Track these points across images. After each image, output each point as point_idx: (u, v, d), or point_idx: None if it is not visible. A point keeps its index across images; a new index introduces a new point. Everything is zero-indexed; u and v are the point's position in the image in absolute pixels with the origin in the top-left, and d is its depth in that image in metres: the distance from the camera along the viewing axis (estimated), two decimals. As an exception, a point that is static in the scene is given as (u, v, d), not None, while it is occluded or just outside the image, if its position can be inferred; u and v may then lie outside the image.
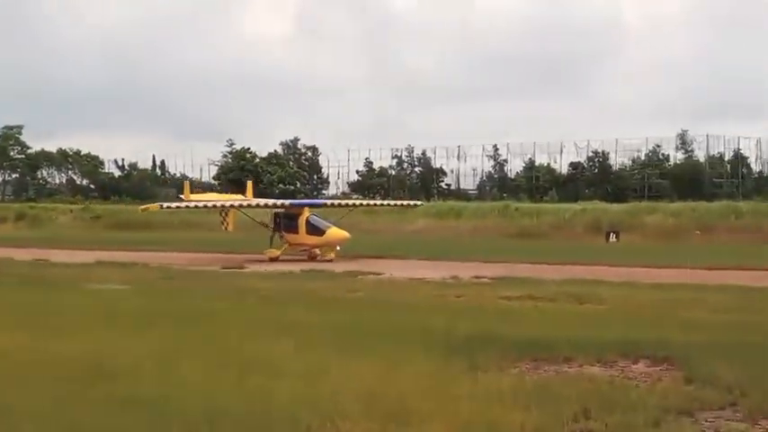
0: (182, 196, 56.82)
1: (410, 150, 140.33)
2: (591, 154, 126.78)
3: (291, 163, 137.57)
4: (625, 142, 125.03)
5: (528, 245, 57.49)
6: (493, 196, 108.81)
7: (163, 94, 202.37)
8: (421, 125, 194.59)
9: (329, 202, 58.30)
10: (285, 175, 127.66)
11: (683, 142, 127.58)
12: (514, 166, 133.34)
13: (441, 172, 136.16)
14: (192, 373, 13.69)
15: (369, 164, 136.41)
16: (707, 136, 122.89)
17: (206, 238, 61.27)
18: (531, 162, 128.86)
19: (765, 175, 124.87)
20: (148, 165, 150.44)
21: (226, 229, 53.95)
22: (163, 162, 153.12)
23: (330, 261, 45.07)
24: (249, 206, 53.82)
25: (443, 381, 13.22)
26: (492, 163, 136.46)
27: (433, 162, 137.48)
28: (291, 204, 53.14)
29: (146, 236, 66.15)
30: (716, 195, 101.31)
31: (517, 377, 13.95)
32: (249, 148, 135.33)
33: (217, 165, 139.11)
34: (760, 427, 11.24)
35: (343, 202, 57.65)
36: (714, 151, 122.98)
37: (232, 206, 52.79)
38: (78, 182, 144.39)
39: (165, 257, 45.33)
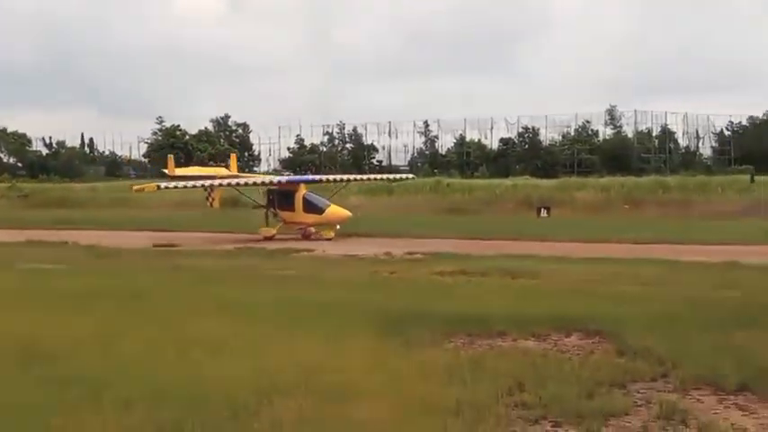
0: (165, 171, 55.37)
1: (341, 127, 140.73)
2: (521, 130, 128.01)
3: (222, 140, 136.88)
4: (555, 118, 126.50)
5: (460, 221, 57.66)
6: (424, 172, 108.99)
7: (91, 70, 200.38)
8: (352, 102, 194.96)
9: (324, 177, 55.21)
10: (216, 153, 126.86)
11: (612, 118, 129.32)
12: (445, 143, 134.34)
13: (372, 148, 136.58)
14: (131, 353, 13.64)
15: (300, 141, 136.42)
16: (635, 111, 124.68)
17: (142, 217, 60.71)
18: (462, 138, 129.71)
19: (692, 149, 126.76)
20: (77, 143, 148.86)
21: (211, 205, 51.69)
22: (91, 140, 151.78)
23: (329, 240, 43.92)
24: (245, 184, 50.89)
25: (380, 357, 13.29)
26: (423, 139, 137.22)
27: (364, 138, 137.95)
28: (288, 181, 51.19)
29: (82, 214, 64.84)
30: (644, 170, 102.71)
31: (452, 352, 14.09)
32: (179, 126, 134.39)
33: (147, 142, 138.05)
34: (691, 397, 11.49)
35: (337, 177, 55.17)
36: (642, 127, 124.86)
37: (229, 184, 50.49)
38: (5, 160, 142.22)
39: (121, 237, 44.58)
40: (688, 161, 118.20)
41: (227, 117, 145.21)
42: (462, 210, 68.19)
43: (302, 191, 47.24)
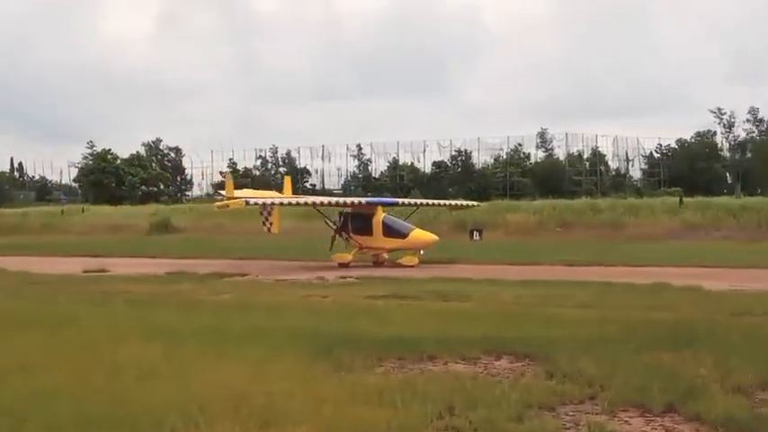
0: (222, 193, 50.37)
1: (274, 150, 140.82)
2: (454, 153, 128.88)
3: (154, 164, 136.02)
4: (487, 141, 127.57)
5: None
6: (357, 196, 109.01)
7: (20, 94, 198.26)
8: (285, 125, 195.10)
9: (400, 201, 51.93)
10: (148, 177, 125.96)
11: (543, 141, 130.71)
12: (378, 166, 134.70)
13: (305, 172, 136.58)
14: (59, 379, 13.41)
15: (233, 164, 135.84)
16: (566, 134, 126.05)
17: (72, 242, 59.90)
18: (395, 161, 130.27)
19: (622, 172, 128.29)
20: (6, 167, 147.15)
21: (269, 230, 48.26)
22: (21, 164, 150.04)
23: (413, 267, 40.74)
24: (321, 204, 47.90)
25: (310, 381, 13.22)
26: (356, 162, 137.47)
27: (297, 162, 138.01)
28: (368, 203, 46.74)
29: (12, 240, 63.96)
30: (575, 192, 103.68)
31: (382, 376, 14.05)
32: (110, 150, 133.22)
33: (77, 166, 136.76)
34: (619, 419, 11.53)
35: (409, 201, 51.66)
36: (573, 149, 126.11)
37: (306, 203, 47.84)
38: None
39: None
40: (618, 183, 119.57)
41: (158, 141, 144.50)
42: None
43: (380, 213, 44.04)
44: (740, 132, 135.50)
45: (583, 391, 12.80)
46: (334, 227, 45.34)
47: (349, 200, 49.81)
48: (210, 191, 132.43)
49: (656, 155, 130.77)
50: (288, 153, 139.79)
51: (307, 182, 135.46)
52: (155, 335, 17.65)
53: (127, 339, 17.19)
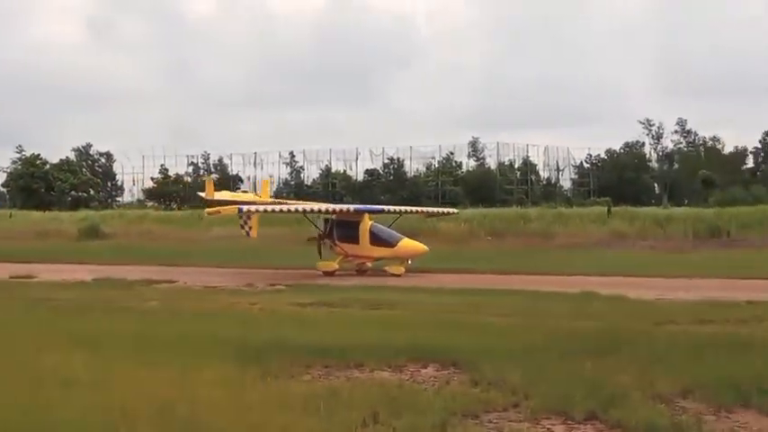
0: (201, 194, 50.13)
1: (206, 157, 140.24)
2: (386, 161, 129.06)
3: (84, 170, 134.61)
4: (420, 150, 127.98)
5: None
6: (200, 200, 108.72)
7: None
8: (218, 132, 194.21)
9: (386, 208, 49.31)
10: (78, 183, 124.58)
11: (475, 150, 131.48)
12: (311, 173, 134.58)
13: (237, 179, 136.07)
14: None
15: (164, 171, 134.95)
16: (497, 144, 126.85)
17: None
18: (328, 169, 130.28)
19: (553, 181, 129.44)
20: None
21: (247, 234, 47.59)
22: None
23: (398, 276, 39.86)
24: (311, 211, 45.35)
25: (236, 389, 13.20)
26: (289, 170, 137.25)
27: (229, 169, 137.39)
28: (356, 210, 45.05)
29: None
30: (506, 201, 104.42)
31: (308, 383, 14.08)
32: (39, 155, 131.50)
33: (5, 171, 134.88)
34: (541, 426, 11.66)
35: (395, 208, 49.56)
36: (504, 159, 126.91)
37: (297, 210, 45.18)
38: None
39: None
40: (549, 193, 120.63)
41: (89, 146, 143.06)
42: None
43: (367, 221, 43.00)
44: (668, 144, 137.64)
45: (507, 398, 12.91)
46: (318, 234, 44.36)
47: (337, 207, 48.61)
48: (141, 197, 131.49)
49: (586, 165, 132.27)
50: (220, 160, 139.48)
51: (239, 189, 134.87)
52: (79, 342, 17.51)
53: (51, 347, 17.02)
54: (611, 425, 11.56)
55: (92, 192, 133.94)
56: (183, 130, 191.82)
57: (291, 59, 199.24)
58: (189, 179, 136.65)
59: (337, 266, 41.99)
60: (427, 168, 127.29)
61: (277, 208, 45.62)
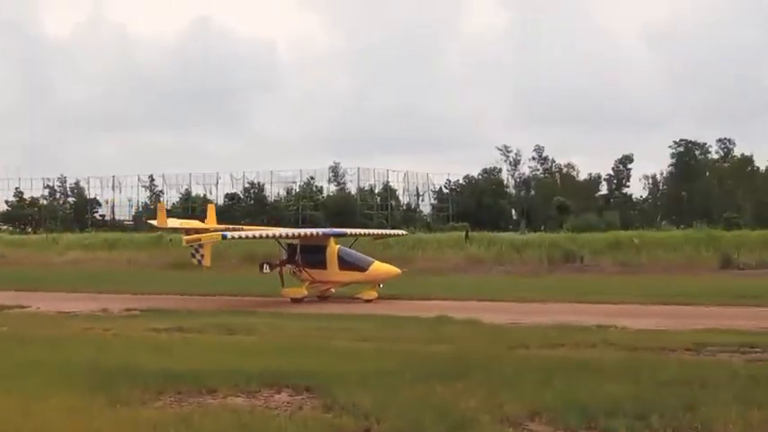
0: (153, 222, 47.82)
1: (63, 180, 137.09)
2: (247, 185, 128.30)
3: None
4: (280, 174, 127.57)
5: (181, 276, 57.12)
6: (149, 227, 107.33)
7: None
8: (75, 155, 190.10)
9: (346, 231, 47.87)
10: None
11: (336, 175, 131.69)
12: (171, 197, 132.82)
13: (95, 202, 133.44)
14: None
15: (19, 194, 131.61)
16: (358, 169, 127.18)
17: None
18: (188, 192, 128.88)
19: (413, 206, 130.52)
20: None
21: (199, 263, 44.24)
22: None
23: (370, 302, 38.39)
24: (282, 236, 43.71)
25: (83, 416, 13.00)
26: (148, 193, 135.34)
27: (87, 192, 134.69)
28: (324, 234, 43.38)
29: None
30: (367, 226, 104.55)
31: (159, 410, 13.92)
32: None
33: None
34: (392, 450, 11.74)
35: (351, 231, 48.25)
36: (365, 184, 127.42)
37: (275, 236, 43.35)
38: None
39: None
40: (409, 218, 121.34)
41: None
42: (184, 265, 67.47)
43: (334, 245, 41.43)
44: (525, 170, 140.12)
45: (359, 423, 12.99)
46: (279, 260, 42.40)
47: (302, 231, 47.78)
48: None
49: (446, 190, 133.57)
50: (77, 183, 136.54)
51: (96, 212, 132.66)
52: None
53: None
54: (459, 448, 11.71)
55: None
56: (39, 152, 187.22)
57: (152, 82, 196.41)
58: (45, 202, 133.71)
59: (306, 292, 40.35)
60: (288, 193, 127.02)
61: (257, 233, 44.95)
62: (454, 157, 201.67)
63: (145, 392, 15.11)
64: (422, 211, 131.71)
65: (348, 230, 48.46)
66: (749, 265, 56.95)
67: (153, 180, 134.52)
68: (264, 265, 51.63)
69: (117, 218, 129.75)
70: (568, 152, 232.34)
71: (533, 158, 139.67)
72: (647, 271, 56.08)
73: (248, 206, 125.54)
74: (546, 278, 52.11)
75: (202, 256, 43.53)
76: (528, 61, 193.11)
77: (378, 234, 54.88)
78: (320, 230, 46.32)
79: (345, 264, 40.69)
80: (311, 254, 41.22)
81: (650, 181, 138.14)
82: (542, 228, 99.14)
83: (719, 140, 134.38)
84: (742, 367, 17.62)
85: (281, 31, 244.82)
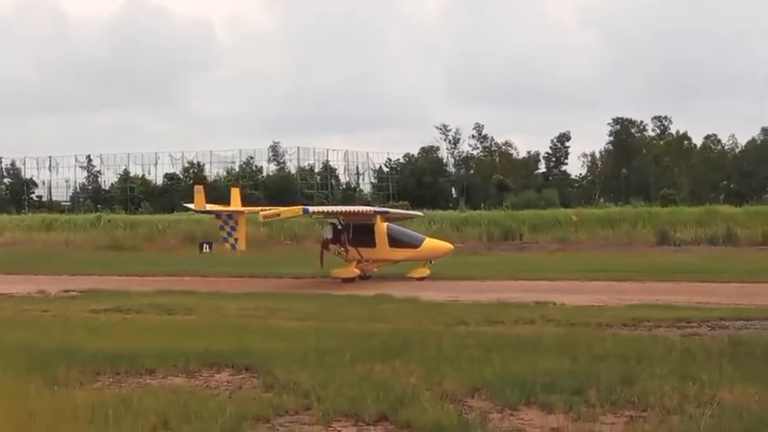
0: (190, 206, 45.57)
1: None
2: (186, 165, 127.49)
3: None
4: (219, 154, 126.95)
5: (120, 257, 56.86)
6: (87, 208, 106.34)
7: None
8: (10, 135, 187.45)
9: (389, 210, 45.56)
10: None
11: (276, 154, 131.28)
12: (108, 178, 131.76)
13: (32, 183, 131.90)
14: None
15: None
16: (298, 148, 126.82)
17: None
18: (126, 173, 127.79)
19: (353, 185, 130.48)
20: None
21: (232, 247, 42.17)
22: None
23: (422, 280, 37.65)
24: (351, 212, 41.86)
25: (19, 398, 12.85)
26: (85, 174, 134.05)
27: (23, 173, 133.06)
28: (375, 212, 41.63)
29: None
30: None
31: (97, 391, 13.80)
32: None
33: None
34: (332, 429, 11.74)
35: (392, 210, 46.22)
36: (305, 163, 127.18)
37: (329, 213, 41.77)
38: None
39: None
40: (349, 197, 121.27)
41: None
42: (123, 246, 67.10)
43: (381, 223, 40.18)
44: (465, 148, 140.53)
45: (299, 402, 12.96)
46: (322, 239, 41.33)
47: (353, 208, 45.39)
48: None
49: (386, 169, 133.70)
50: (12, 163, 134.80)
51: (33, 193, 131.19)
52: None
53: None
54: (401, 425, 11.71)
55: None
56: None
57: (89, 62, 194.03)
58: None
59: (357, 272, 38.98)
60: (228, 173, 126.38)
61: (340, 209, 43.84)
62: (394, 137, 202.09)
63: (83, 374, 14.99)
64: (362, 190, 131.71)
65: (390, 210, 46.47)
66: (685, 241, 57.69)
67: (90, 160, 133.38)
68: (204, 245, 51.47)
69: (54, 199, 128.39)
70: (507, 131, 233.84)
71: (472, 137, 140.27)
72: (585, 248, 56.65)
73: (188, 186, 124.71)
74: (485, 256, 52.51)
75: (236, 239, 41.71)
76: (467, 41, 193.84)
77: (402, 214, 49.60)
78: (370, 209, 44.39)
79: (396, 241, 39.81)
80: (359, 232, 40.01)
81: (588, 159, 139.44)
82: (482, 206, 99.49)
83: (656, 118, 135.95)
84: (678, 342, 17.85)
85: (218, 10, 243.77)
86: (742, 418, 11.37)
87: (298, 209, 40.21)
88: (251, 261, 45.98)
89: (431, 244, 40.10)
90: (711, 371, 14.26)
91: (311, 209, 40.75)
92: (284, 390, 13.68)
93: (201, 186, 44.88)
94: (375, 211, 41.76)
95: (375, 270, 40.65)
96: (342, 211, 42.24)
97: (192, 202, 43.27)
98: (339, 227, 40.62)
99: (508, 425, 11.78)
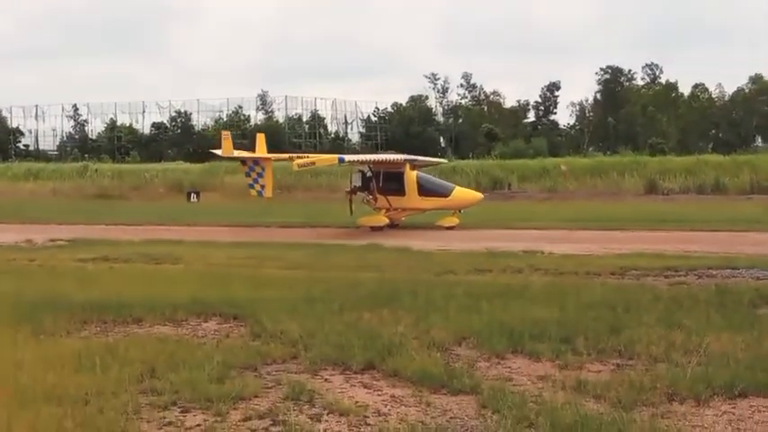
0: (217, 152, 44.81)
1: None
2: (174, 114, 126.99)
3: None
4: (207, 103, 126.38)
5: (108, 206, 56.67)
6: (74, 157, 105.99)
7: None
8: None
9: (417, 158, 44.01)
10: None
11: (264, 103, 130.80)
12: (95, 127, 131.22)
13: (18, 132, 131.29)
14: None
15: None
16: (286, 97, 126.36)
17: None
18: (113, 122, 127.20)
19: (341, 135, 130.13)
20: None
21: (259, 194, 41.30)
22: None
23: (451, 228, 37.54)
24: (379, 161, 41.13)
25: (6, 347, 12.80)
26: (72, 123, 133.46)
27: (9, 122, 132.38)
28: (405, 160, 40.77)
29: None
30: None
31: (83, 340, 13.76)
32: None
33: None
34: (320, 377, 11.71)
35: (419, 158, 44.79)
36: (292, 112, 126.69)
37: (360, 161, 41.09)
38: None
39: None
40: (337, 146, 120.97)
41: None
42: (111, 195, 67.00)
43: (410, 171, 39.86)
44: (453, 97, 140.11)
45: (286, 350, 12.93)
46: (351, 188, 41.00)
47: (383, 157, 44.44)
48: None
49: (374, 118, 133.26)
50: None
51: (20, 142, 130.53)
52: None
53: None
54: (388, 374, 11.69)
55: None
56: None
57: (71, 9, 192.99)
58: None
59: (386, 220, 38.61)
60: (215, 122, 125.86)
61: (374, 157, 43.39)
62: (382, 86, 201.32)
63: (70, 323, 14.91)
64: (350, 140, 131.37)
65: (418, 157, 45.02)
66: (673, 190, 57.80)
67: (77, 109, 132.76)
68: (191, 194, 51.37)
69: (41, 148, 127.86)
70: (496, 80, 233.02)
71: (461, 86, 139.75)
72: (574, 197, 56.73)
73: (175, 135, 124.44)
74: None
75: (262, 186, 41.02)
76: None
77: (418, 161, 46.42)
78: (401, 156, 43.04)
79: (425, 190, 39.51)
80: (388, 181, 39.63)
81: (577, 108, 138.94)
82: (470, 155, 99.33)
83: (646, 66, 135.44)
84: (665, 290, 17.90)
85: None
86: (729, 365, 11.39)
87: (333, 157, 39.95)
88: (235, 211, 45.92)
89: (460, 193, 40.05)
90: (698, 319, 14.32)
91: (346, 158, 40.19)
92: (271, 338, 13.64)
93: (228, 132, 44.52)
94: (405, 160, 41.16)
95: (403, 219, 40.28)
96: (373, 160, 41.76)
97: (220, 147, 42.68)
98: (368, 175, 40.15)
99: (495, 373, 11.77)
